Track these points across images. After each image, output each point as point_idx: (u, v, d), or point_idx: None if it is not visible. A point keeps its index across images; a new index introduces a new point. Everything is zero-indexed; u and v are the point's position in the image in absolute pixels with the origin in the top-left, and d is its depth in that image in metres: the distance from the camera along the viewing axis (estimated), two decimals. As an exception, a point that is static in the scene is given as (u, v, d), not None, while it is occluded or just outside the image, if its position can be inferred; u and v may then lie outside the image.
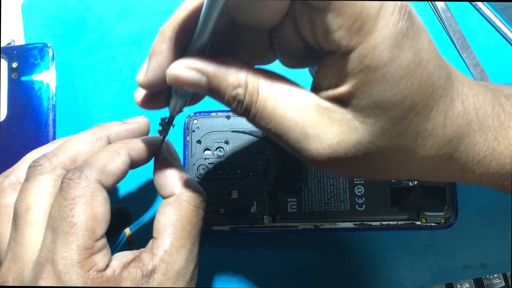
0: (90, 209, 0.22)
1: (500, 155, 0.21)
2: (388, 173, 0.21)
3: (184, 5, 0.20)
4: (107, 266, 0.23)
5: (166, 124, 0.26)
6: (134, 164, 0.26)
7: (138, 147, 0.26)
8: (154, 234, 0.25)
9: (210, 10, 0.18)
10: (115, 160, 0.24)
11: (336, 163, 0.20)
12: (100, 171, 0.23)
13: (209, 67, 0.19)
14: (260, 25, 0.20)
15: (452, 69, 0.20)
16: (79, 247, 0.22)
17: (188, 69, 0.19)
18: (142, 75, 0.21)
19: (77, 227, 0.22)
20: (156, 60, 0.20)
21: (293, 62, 0.22)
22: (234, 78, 0.19)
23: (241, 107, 0.20)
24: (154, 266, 0.23)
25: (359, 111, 0.19)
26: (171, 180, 0.26)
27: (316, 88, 0.20)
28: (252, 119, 0.20)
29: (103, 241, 0.23)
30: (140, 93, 0.23)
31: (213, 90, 0.20)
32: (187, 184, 0.26)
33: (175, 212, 0.25)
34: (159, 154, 0.27)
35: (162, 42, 0.20)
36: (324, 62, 0.19)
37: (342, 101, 0.19)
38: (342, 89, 0.19)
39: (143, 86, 0.21)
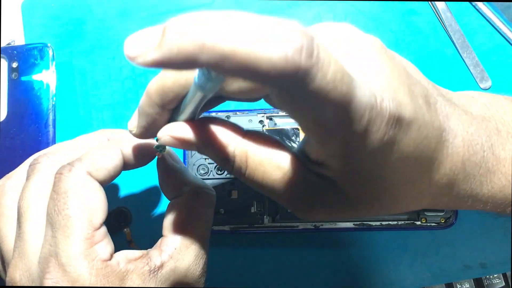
0: (83, 200, 0.22)
1: (482, 197, 0.22)
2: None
3: (168, 72, 0.21)
4: (111, 256, 0.23)
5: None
6: (127, 162, 0.26)
7: (131, 145, 0.26)
8: (164, 232, 0.25)
9: (193, 100, 0.19)
10: (106, 155, 0.25)
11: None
12: (90, 165, 0.24)
13: (196, 140, 0.21)
14: (247, 99, 0.22)
15: (444, 125, 0.20)
16: (79, 237, 0.22)
17: (176, 139, 0.21)
18: (134, 128, 0.23)
19: (73, 219, 0.22)
20: (145, 120, 0.22)
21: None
22: (222, 153, 0.21)
23: (230, 173, 0.22)
24: (163, 262, 0.23)
25: (346, 195, 0.20)
26: (176, 181, 0.26)
27: (305, 151, 0.21)
28: (241, 179, 0.22)
29: (103, 230, 0.23)
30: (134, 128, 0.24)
31: (203, 153, 0.22)
32: (195, 183, 0.26)
33: (184, 210, 0.25)
34: (161, 157, 0.27)
35: (150, 106, 0.21)
36: (308, 140, 0.21)
37: (321, 176, 0.21)
38: (327, 173, 0.20)
39: (135, 136, 0.23)
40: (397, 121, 0.17)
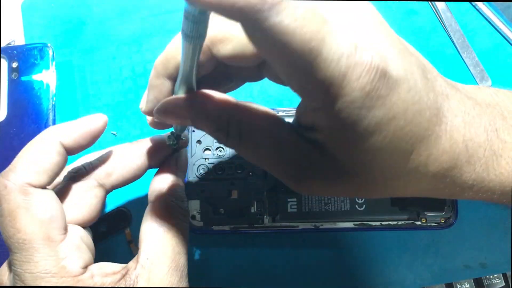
0: (32, 217, 0.21)
1: (489, 183, 0.21)
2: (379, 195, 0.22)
3: (173, 42, 0.22)
4: (85, 269, 0.22)
5: (174, 138, 0.27)
6: (73, 149, 0.24)
7: (71, 130, 0.24)
8: (139, 242, 0.25)
9: (187, 56, 0.19)
10: (42, 153, 0.23)
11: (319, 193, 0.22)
12: (26, 173, 0.22)
13: (189, 113, 0.21)
14: (243, 65, 0.22)
15: (443, 102, 0.20)
16: (41, 258, 0.21)
17: (169, 114, 0.22)
18: (143, 104, 0.24)
19: (28, 241, 0.21)
20: (153, 93, 0.23)
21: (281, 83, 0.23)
22: (216, 124, 0.21)
23: (226, 145, 0.22)
24: (137, 274, 0.23)
25: (337, 163, 0.20)
26: (158, 185, 0.26)
27: (298, 118, 0.21)
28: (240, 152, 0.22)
29: (70, 241, 0.22)
30: (149, 120, 0.25)
31: (198, 127, 0.22)
32: (169, 193, 0.26)
33: (154, 220, 0.25)
34: (168, 160, 0.28)
35: (156, 77, 0.22)
36: (303, 104, 0.20)
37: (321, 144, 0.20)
38: (317, 136, 0.20)
39: (145, 113, 0.24)
40: (381, 74, 0.17)
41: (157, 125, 0.25)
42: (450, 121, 0.20)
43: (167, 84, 0.22)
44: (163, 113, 0.22)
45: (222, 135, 0.21)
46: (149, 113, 0.23)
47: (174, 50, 0.22)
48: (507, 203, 0.22)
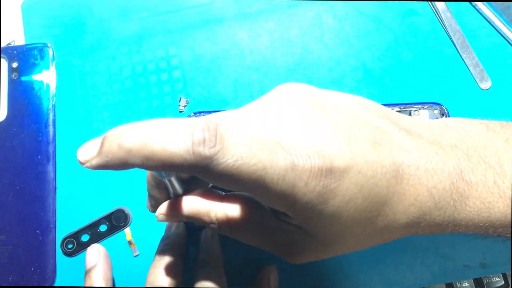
0: None
1: (461, 221, 0.22)
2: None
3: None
4: None
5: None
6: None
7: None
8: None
9: (167, 184, 0.25)
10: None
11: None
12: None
13: (181, 214, 0.24)
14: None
15: (403, 159, 0.21)
16: None
17: (166, 216, 0.25)
18: (149, 207, 0.29)
19: None
20: (152, 199, 0.28)
21: None
22: (205, 220, 0.24)
23: (220, 233, 0.25)
24: None
25: (316, 238, 0.22)
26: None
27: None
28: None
29: None
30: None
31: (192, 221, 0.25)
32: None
33: None
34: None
35: (150, 188, 0.27)
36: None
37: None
38: (293, 222, 0.23)
39: (153, 212, 0.28)
40: (327, 172, 0.19)
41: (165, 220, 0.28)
42: (412, 175, 0.21)
43: (162, 192, 0.26)
44: (160, 219, 0.25)
45: (215, 229, 0.24)
46: (154, 212, 0.27)
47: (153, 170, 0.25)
48: (482, 234, 0.23)
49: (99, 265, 0.31)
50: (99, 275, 0.30)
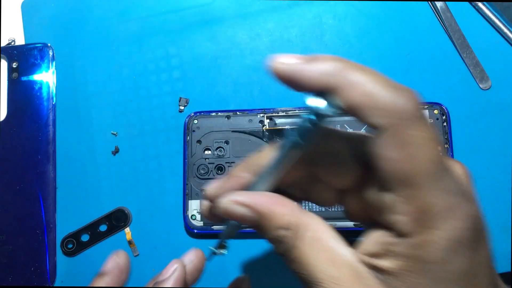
0: None
1: None
2: None
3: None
4: None
5: (217, 247, 0.24)
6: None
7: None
8: None
9: (279, 161, 0.20)
10: None
11: None
12: None
13: (258, 205, 0.20)
14: (332, 184, 0.21)
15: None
16: None
17: (236, 204, 0.20)
18: (213, 189, 0.22)
19: None
20: (230, 182, 0.22)
21: (348, 216, 0.22)
22: (282, 220, 0.19)
23: (283, 248, 0.20)
24: None
25: None
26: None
27: (359, 247, 0.20)
28: (288, 262, 0.20)
29: None
30: (205, 205, 0.23)
31: (260, 226, 0.20)
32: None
33: None
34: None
35: (241, 170, 0.22)
36: (375, 230, 0.19)
37: (379, 271, 0.19)
38: (385, 264, 0.18)
39: (209, 197, 0.22)
40: (476, 225, 0.18)
41: (212, 216, 0.23)
42: None
43: (247, 177, 0.22)
44: (228, 205, 0.21)
45: (286, 235, 0.20)
46: (213, 198, 0.22)
47: (267, 155, 0.21)
48: None
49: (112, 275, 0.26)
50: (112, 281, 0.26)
